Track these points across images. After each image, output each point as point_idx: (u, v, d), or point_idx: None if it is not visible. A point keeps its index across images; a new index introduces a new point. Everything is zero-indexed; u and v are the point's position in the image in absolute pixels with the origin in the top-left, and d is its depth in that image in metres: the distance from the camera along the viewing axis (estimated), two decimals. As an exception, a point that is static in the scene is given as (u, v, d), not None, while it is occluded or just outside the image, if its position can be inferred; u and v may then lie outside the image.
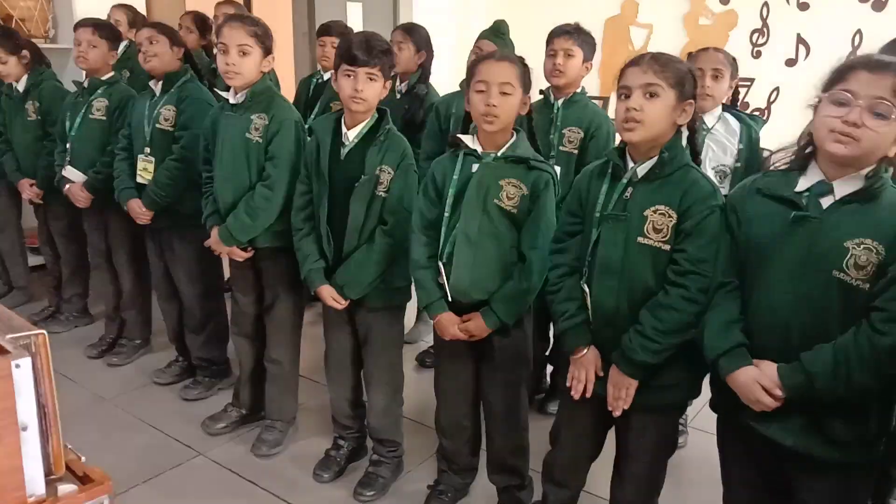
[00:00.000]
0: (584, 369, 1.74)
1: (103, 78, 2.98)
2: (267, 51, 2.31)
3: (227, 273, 2.80)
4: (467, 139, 1.96)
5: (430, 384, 2.22)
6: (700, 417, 2.68)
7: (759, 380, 1.44)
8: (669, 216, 1.61)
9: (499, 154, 1.91)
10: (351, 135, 2.11)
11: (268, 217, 2.31)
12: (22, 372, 0.82)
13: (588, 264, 1.72)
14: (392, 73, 2.13)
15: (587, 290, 1.72)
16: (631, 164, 1.68)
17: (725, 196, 2.31)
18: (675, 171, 1.64)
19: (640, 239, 1.63)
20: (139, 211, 2.73)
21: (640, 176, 1.66)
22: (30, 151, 3.28)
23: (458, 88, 2.94)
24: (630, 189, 1.66)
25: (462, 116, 2.78)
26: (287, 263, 2.42)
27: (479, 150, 1.93)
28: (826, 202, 1.43)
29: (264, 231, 2.35)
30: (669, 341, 1.61)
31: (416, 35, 3.19)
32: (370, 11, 6.55)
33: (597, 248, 1.69)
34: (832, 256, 1.38)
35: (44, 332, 0.89)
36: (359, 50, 2.01)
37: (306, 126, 3.43)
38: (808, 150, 1.48)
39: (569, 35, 2.53)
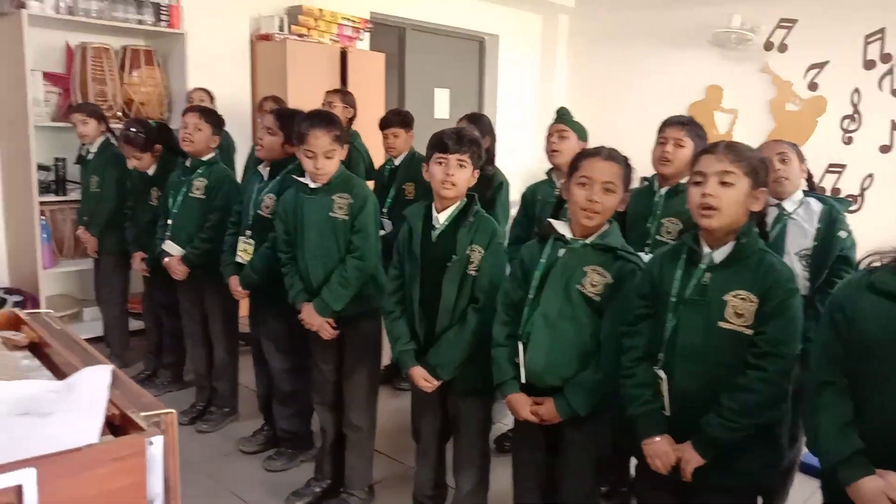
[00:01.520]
0: (658, 457, 1.73)
1: (204, 158, 3.18)
2: (344, 143, 2.49)
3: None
4: (559, 224, 2.00)
5: (505, 468, 2.20)
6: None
7: (886, 492, 1.36)
8: (751, 301, 1.64)
9: (587, 241, 1.95)
10: (441, 218, 2.19)
11: (360, 285, 2.46)
12: (155, 449, 0.89)
13: (666, 350, 1.72)
14: (480, 162, 2.22)
15: (662, 375, 1.73)
16: (707, 250, 1.71)
17: (812, 284, 2.30)
18: (751, 255, 1.67)
19: (721, 324, 1.65)
20: (235, 288, 2.90)
21: (717, 261, 1.69)
22: (146, 231, 3.52)
23: (544, 177, 3.06)
24: (708, 274, 1.69)
25: (548, 203, 2.88)
26: (367, 328, 2.52)
27: (569, 235, 1.97)
28: None
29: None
30: (746, 421, 1.62)
31: (481, 123, 3.48)
32: (457, 96, 6.83)
33: (676, 333, 1.70)
34: None
35: (173, 410, 0.96)
36: (449, 139, 2.13)
37: (383, 209, 3.73)
38: None
39: (681, 125, 2.54)
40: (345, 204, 2.46)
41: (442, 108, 6.66)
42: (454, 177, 2.13)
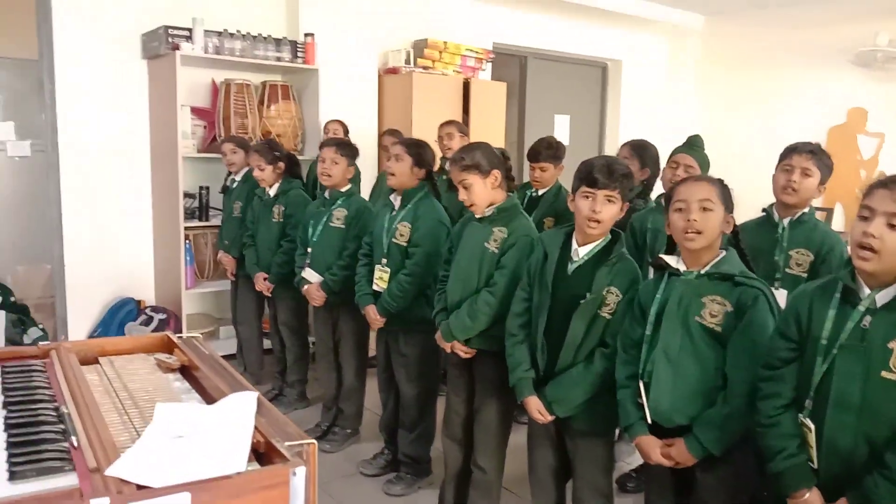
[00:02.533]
0: None
1: (342, 190, 3.31)
2: (486, 172, 2.43)
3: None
4: (670, 259, 1.94)
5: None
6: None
7: None
8: None
9: (702, 271, 1.87)
10: (582, 252, 2.13)
11: (486, 321, 2.41)
12: (298, 480, 0.93)
13: (815, 397, 1.59)
14: (631, 195, 2.14)
15: (810, 425, 1.60)
16: (866, 290, 1.55)
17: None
18: None
19: (885, 374, 1.49)
20: (374, 317, 2.96)
21: (879, 304, 1.53)
22: (269, 249, 3.71)
23: (653, 205, 2.96)
24: (868, 317, 1.53)
25: (661, 231, 2.78)
26: (499, 368, 2.47)
27: (682, 268, 1.90)
28: None
29: (482, 334, 2.46)
30: None
31: (644, 152, 3.26)
32: (577, 122, 6.77)
33: (828, 380, 1.56)
34: None
35: (314, 441, 1.00)
36: (600, 173, 2.05)
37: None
38: None
39: (811, 154, 2.40)
40: (500, 237, 2.45)
41: (562, 134, 6.62)
42: (601, 213, 2.05)
